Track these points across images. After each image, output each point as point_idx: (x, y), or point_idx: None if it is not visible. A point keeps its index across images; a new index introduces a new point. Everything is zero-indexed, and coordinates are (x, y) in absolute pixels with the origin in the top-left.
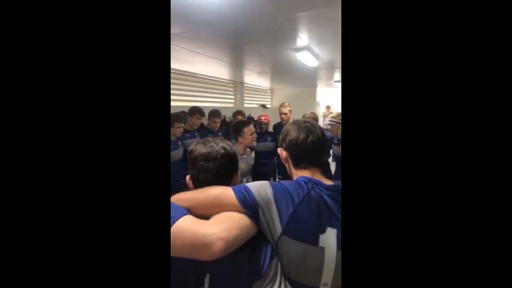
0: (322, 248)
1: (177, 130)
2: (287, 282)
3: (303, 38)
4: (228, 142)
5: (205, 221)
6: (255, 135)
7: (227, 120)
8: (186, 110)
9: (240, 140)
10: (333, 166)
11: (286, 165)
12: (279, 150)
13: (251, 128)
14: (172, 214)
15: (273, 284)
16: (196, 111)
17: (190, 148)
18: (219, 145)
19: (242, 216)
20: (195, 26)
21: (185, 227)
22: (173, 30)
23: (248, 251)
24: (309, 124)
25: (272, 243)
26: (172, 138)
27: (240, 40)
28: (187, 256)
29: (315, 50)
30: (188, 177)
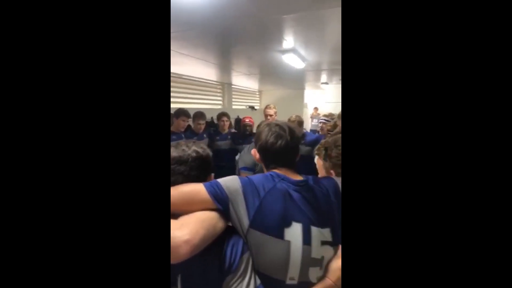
0: (288, 242)
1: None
2: (257, 276)
3: (288, 40)
4: (202, 145)
5: (172, 222)
6: None
7: (214, 122)
8: (173, 112)
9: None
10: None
11: (261, 164)
12: (253, 151)
13: None
14: None
15: (243, 279)
16: (182, 113)
17: None
18: (191, 148)
19: (209, 214)
20: (180, 27)
21: None
22: None
23: (218, 248)
24: (280, 128)
25: (242, 237)
26: None
27: (226, 42)
28: None
29: (301, 52)
30: None
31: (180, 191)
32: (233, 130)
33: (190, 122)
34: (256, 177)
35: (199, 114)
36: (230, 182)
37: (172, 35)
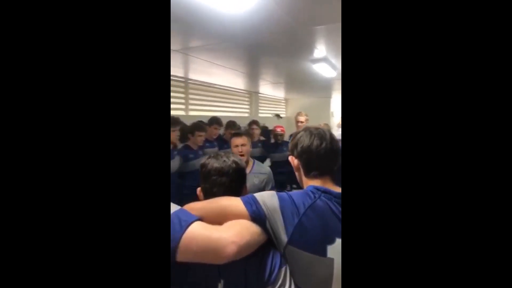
0: (331, 259)
1: (198, 138)
2: None
3: (320, 49)
4: (237, 156)
5: (218, 226)
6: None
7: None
8: (203, 119)
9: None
10: None
11: (297, 173)
12: (290, 158)
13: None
14: (184, 218)
15: None
16: (214, 121)
17: (202, 162)
18: (230, 159)
19: (252, 224)
20: (215, 39)
21: (198, 231)
22: (194, 43)
23: (258, 258)
24: (321, 131)
25: (280, 251)
26: (194, 147)
27: (257, 52)
28: (200, 261)
29: (333, 61)
30: (199, 189)
31: (218, 204)
32: (261, 138)
33: (222, 131)
34: (296, 194)
35: (232, 124)
36: (268, 199)
37: (206, 46)
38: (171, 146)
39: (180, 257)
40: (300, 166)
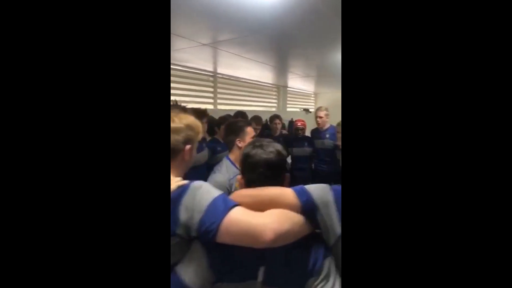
0: None
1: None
2: (340, 281)
3: None
4: (279, 144)
5: (260, 212)
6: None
7: (268, 124)
8: (231, 113)
9: (240, 144)
10: None
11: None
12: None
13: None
14: (226, 202)
15: (327, 281)
16: (239, 115)
17: (246, 152)
18: (275, 148)
19: (296, 214)
20: (244, 32)
21: (239, 215)
22: (223, 37)
23: (301, 249)
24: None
25: (328, 244)
26: (222, 140)
27: (287, 43)
28: (239, 244)
29: None
30: (239, 177)
31: (269, 192)
32: (284, 132)
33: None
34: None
35: (256, 118)
36: (321, 192)
37: (235, 40)
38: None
39: (220, 238)
40: None
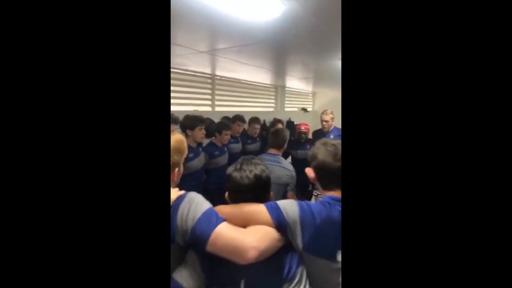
0: (340, 263)
1: (224, 137)
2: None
3: None
4: (263, 164)
5: (243, 230)
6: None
7: (267, 125)
8: (229, 115)
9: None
10: None
11: (316, 184)
12: (307, 170)
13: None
14: (216, 216)
15: (299, 287)
16: (238, 119)
17: (228, 173)
18: (252, 174)
19: (273, 230)
20: (241, 42)
21: (225, 231)
22: (220, 45)
23: (277, 259)
24: (334, 148)
25: (298, 253)
26: (219, 144)
27: (284, 53)
28: (224, 256)
29: None
30: (227, 195)
31: (244, 210)
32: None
33: (245, 126)
34: (314, 205)
35: (255, 119)
36: (290, 208)
37: (233, 49)
38: (196, 143)
39: (209, 248)
40: (317, 180)
